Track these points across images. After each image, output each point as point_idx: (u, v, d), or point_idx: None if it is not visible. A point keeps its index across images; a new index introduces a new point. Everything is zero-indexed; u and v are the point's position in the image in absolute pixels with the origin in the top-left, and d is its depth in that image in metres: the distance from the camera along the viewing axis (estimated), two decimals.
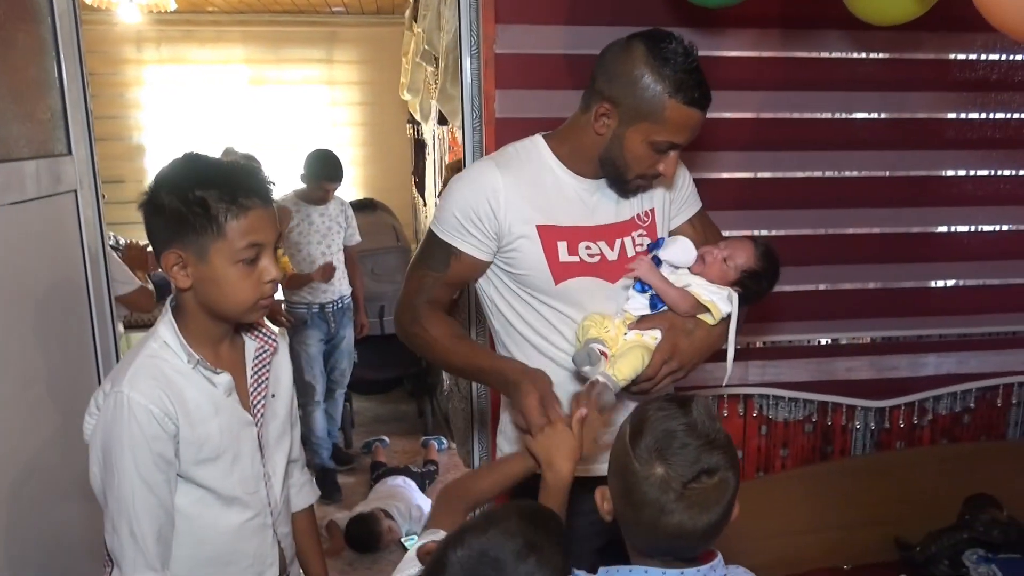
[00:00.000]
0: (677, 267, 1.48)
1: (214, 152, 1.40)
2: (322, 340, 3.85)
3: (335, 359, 3.96)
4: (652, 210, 1.56)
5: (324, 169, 3.67)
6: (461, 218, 1.47)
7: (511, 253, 1.48)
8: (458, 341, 1.54)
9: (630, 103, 1.38)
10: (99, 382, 2.17)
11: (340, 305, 3.87)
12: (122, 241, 4.16)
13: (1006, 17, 0.93)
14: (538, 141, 1.53)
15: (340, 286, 3.86)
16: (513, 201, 1.45)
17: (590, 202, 1.51)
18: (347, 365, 4.02)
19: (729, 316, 1.47)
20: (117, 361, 2.25)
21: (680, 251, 1.49)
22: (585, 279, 1.49)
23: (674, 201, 1.61)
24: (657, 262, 1.48)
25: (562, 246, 1.47)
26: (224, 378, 1.28)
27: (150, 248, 1.33)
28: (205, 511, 1.29)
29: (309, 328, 3.77)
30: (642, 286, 1.46)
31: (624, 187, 1.50)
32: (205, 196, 1.17)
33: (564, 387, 1.45)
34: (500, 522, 0.99)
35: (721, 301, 1.45)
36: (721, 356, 1.51)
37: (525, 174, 1.48)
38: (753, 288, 1.50)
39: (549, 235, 1.47)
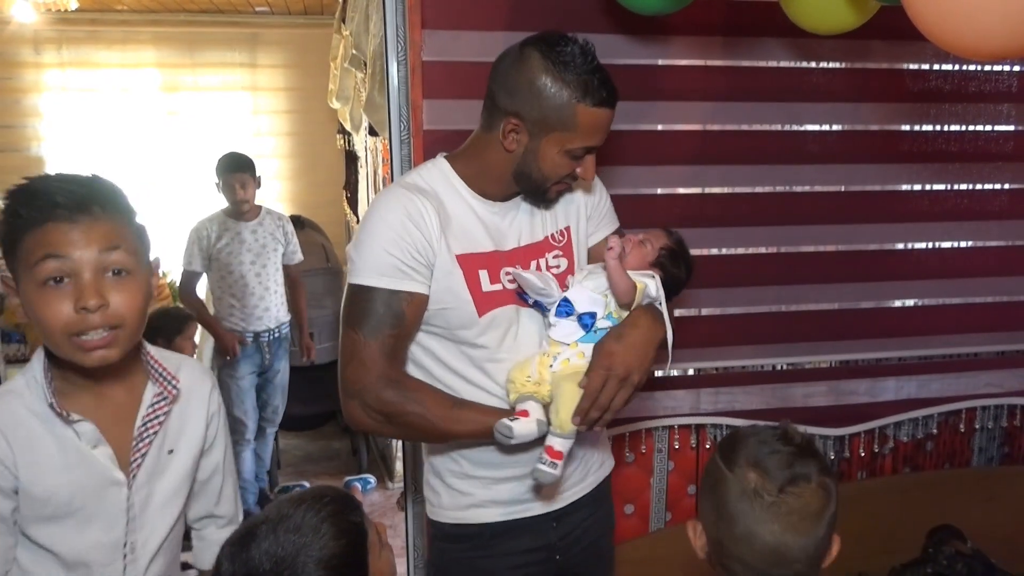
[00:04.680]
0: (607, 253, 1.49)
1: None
2: (254, 373, 3.78)
3: (268, 394, 3.89)
4: (567, 229, 1.59)
5: (223, 161, 3.62)
6: (400, 256, 1.42)
7: (433, 287, 1.46)
8: (461, 406, 1.46)
9: (538, 115, 1.40)
10: None
11: (276, 335, 3.80)
12: None
13: (942, 32, 0.97)
14: (442, 164, 1.53)
15: (277, 313, 3.78)
16: (438, 229, 1.45)
17: (502, 226, 1.52)
18: (280, 402, 3.95)
19: (660, 306, 1.49)
20: None
21: (528, 283, 1.48)
22: (507, 307, 1.50)
23: (591, 218, 1.64)
24: (541, 306, 1.49)
25: (484, 275, 1.48)
26: (86, 427, 1.19)
27: None
28: (44, 573, 1.22)
29: (241, 359, 3.69)
30: (564, 310, 1.47)
31: (543, 198, 1.52)
32: (11, 207, 1.12)
33: None
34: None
35: (648, 281, 1.49)
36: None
37: (438, 201, 1.47)
38: (672, 270, 1.55)
39: (470, 264, 1.47)
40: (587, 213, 1.63)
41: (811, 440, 1.15)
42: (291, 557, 1.04)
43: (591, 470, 1.67)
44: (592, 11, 2.03)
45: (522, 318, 1.51)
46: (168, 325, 3.20)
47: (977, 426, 2.55)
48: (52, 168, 5.33)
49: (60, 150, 5.38)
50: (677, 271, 1.56)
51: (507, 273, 1.50)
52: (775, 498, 1.07)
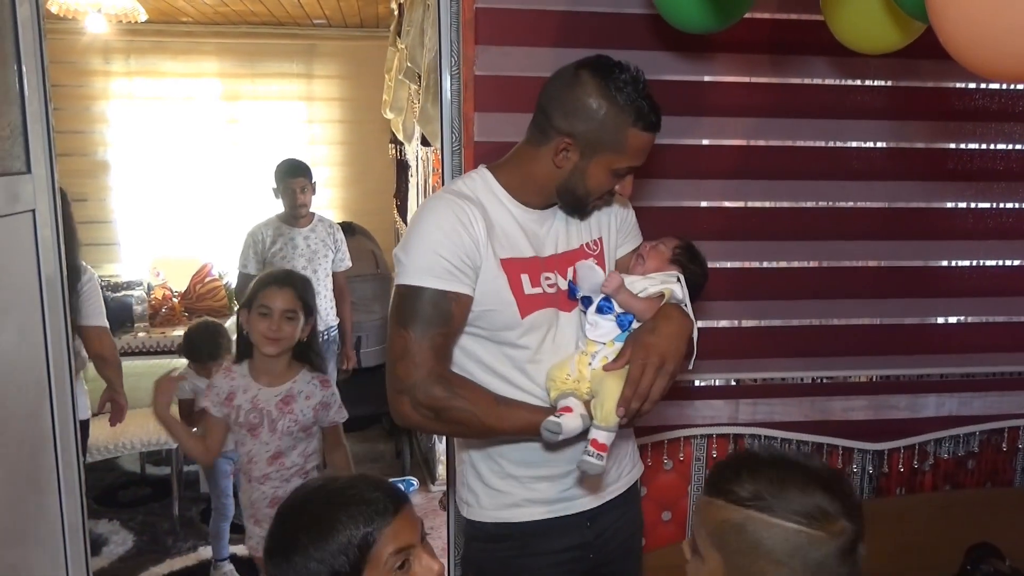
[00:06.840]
0: (601, 291, 1.54)
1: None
2: None
3: None
4: (600, 239, 1.67)
5: (283, 167, 3.75)
6: (449, 257, 1.48)
7: (478, 289, 1.52)
8: (506, 403, 1.52)
9: (592, 137, 1.47)
10: (52, 415, 2.19)
11: (325, 337, 3.86)
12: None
13: (970, 54, 1.00)
14: (485, 174, 1.60)
15: (326, 317, 3.86)
16: (485, 234, 1.52)
17: (540, 232, 1.60)
18: None
19: (685, 307, 1.54)
20: (72, 395, 2.26)
21: (588, 275, 1.56)
22: (547, 310, 1.56)
23: (620, 230, 1.72)
24: (587, 301, 1.55)
25: (525, 279, 1.54)
26: None
27: None
28: None
29: None
30: (605, 309, 1.52)
31: (584, 211, 1.61)
32: None
33: None
34: None
35: (673, 286, 1.54)
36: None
37: (482, 208, 1.55)
38: (690, 266, 1.61)
39: (513, 268, 1.54)
40: (617, 226, 1.71)
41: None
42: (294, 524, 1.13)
43: (624, 472, 1.73)
44: (640, 28, 2.08)
45: (560, 321, 1.57)
46: (202, 349, 3.28)
47: (1020, 445, 2.52)
48: (117, 172, 5.54)
49: (126, 155, 5.57)
50: (695, 267, 1.63)
51: (547, 278, 1.57)
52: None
